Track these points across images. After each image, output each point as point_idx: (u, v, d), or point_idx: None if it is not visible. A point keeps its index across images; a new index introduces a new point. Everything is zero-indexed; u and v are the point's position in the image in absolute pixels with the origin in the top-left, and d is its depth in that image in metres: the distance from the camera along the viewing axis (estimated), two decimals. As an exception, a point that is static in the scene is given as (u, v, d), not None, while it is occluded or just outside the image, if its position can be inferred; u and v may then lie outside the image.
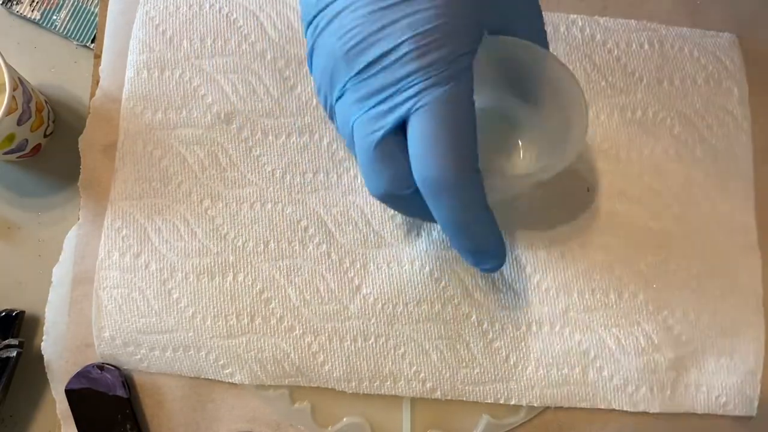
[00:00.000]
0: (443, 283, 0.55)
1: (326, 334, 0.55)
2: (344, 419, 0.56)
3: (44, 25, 0.61)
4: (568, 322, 0.55)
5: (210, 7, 0.57)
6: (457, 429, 0.56)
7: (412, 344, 0.55)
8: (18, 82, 0.52)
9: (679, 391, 0.55)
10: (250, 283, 0.55)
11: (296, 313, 0.55)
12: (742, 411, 0.55)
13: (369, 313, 0.55)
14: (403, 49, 0.39)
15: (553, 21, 0.59)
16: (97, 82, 0.58)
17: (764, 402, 0.55)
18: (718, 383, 0.55)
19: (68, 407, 0.54)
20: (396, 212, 0.56)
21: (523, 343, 0.55)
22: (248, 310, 0.55)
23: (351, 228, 0.56)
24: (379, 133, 0.41)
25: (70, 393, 0.54)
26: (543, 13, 0.48)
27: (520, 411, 0.56)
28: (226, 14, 0.57)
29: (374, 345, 0.55)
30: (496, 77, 0.52)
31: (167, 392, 0.55)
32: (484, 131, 0.57)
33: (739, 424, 0.56)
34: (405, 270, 0.55)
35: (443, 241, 0.56)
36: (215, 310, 0.55)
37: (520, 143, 0.56)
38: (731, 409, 0.55)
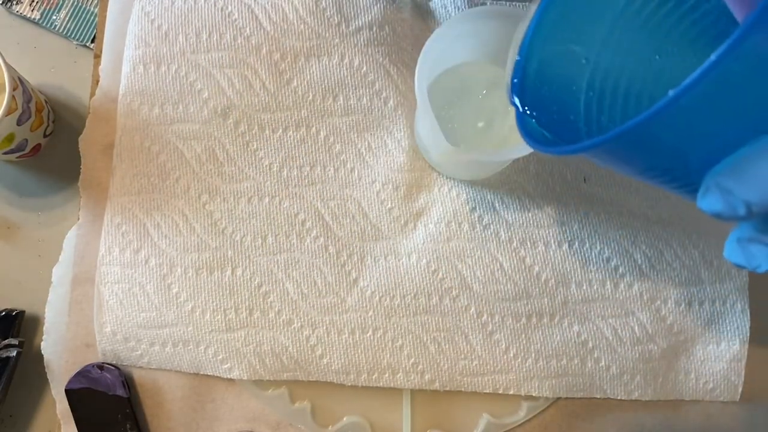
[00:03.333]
0: (440, 275, 0.55)
1: (324, 327, 0.55)
2: (344, 419, 0.55)
3: (44, 25, 0.62)
4: (567, 313, 0.55)
5: (205, 0, 0.58)
6: (457, 429, 0.56)
7: (410, 336, 0.55)
8: (18, 82, 0.53)
9: (670, 379, 0.56)
10: (248, 277, 0.55)
11: (294, 307, 0.55)
12: (728, 396, 0.56)
13: (366, 306, 0.55)
14: None
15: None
16: (97, 81, 0.58)
17: (747, 387, 0.57)
18: (706, 370, 0.56)
19: (68, 407, 0.54)
20: (393, 205, 0.56)
21: (523, 335, 0.55)
22: (247, 303, 0.55)
23: (348, 221, 0.56)
24: None
25: (70, 393, 0.54)
26: None
27: (520, 410, 0.56)
28: (221, 8, 0.57)
29: (372, 337, 0.55)
30: (499, 46, 0.52)
31: (167, 392, 0.55)
32: (486, 104, 0.56)
33: (728, 416, 0.57)
34: (402, 262, 0.55)
35: (440, 233, 0.55)
36: (214, 304, 0.55)
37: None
38: (717, 394, 0.56)
